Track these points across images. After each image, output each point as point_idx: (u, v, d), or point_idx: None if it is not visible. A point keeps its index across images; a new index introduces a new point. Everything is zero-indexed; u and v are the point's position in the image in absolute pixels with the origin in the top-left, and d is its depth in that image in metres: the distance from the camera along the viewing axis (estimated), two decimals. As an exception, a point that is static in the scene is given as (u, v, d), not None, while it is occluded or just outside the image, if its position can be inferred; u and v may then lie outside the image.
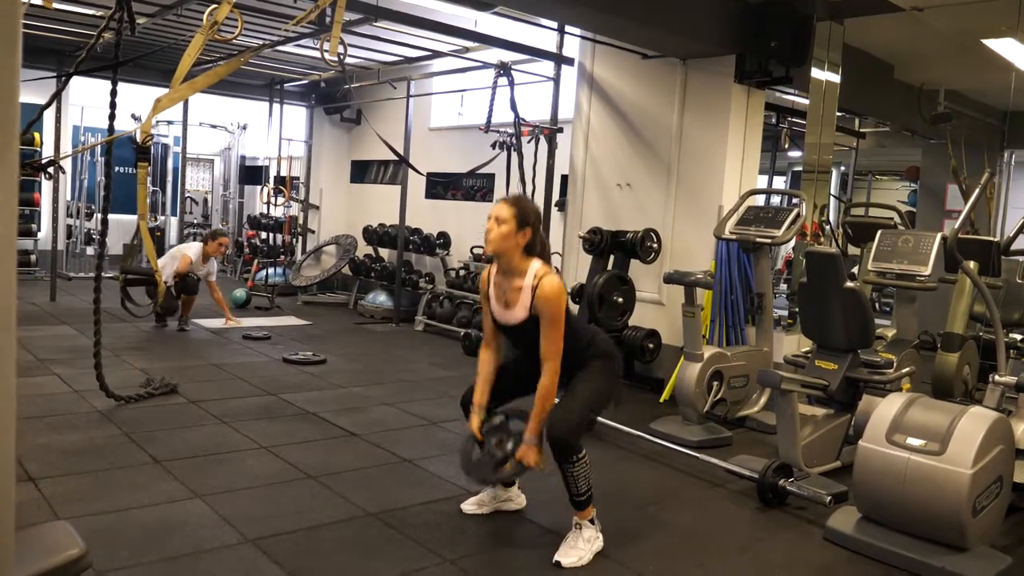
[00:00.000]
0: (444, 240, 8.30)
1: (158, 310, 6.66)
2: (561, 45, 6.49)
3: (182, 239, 10.82)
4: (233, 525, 3.00)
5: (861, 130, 9.60)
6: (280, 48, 7.37)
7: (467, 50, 6.47)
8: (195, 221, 12.22)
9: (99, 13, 6.48)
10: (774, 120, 8.54)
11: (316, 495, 3.41)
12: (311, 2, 5.25)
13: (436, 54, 7.05)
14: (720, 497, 3.77)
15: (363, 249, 9.24)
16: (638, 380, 5.82)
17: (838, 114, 7.60)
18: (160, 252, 11.34)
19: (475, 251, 7.90)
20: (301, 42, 7.17)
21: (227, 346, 6.49)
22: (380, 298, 8.51)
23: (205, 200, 12.43)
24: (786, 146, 8.73)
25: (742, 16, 5.45)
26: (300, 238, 10.15)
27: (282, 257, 9.69)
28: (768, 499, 3.62)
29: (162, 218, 11.52)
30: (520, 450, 2.97)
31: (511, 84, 6.15)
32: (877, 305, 7.88)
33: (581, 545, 2.90)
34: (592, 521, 2.96)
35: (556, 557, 2.84)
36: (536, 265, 2.92)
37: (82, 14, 6.50)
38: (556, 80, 6.63)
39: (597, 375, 3.01)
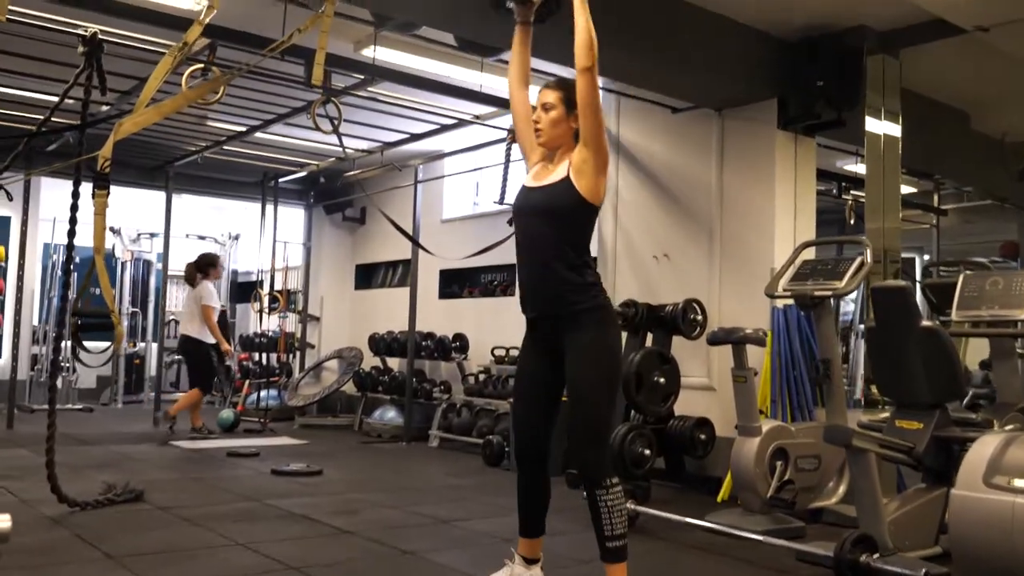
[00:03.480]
0: (461, 343, 8.38)
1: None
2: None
3: (162, 368, 11.03)
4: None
5: (941, 206, 9.73)
6: (273, 132, 7.83)
7: (477, 119, 6.81)
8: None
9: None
10: (835, 191, 8.75)
11: (297, 583, 3.34)
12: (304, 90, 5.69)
13: (443, 128, 7.41)
14: (791, 583, 3.60)
15: (369, 361, 9.35)
16: (689, 480, 5.68)
17: (908, 189, 7.71)
18: (138, 387, 11.68)
19: (496, 353, 7.95)
20: (295, 130, 7.64)
21: (207, 461, 6.51)
22: (388, 414, 8.52)
23: (191, 322, 12.74)
24: (851, 222, 8.85)
25: (781, 54, 5.69)
26: (298, 354, 10.31)
27: (277, 377, 9.82)
28: (849, 581, 3.45)
29: (142, 345, 11.82)
30: None
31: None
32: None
33: (616, 617, 2.78)
34: (627, 588, 2.85)
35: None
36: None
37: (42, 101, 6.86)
38: (578, 147, 6.90)
39: (597, 351, 2.96)
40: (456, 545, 4.03)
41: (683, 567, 3.79)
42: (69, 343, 10.26)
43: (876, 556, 3.49)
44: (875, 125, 5.83)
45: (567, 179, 2.95)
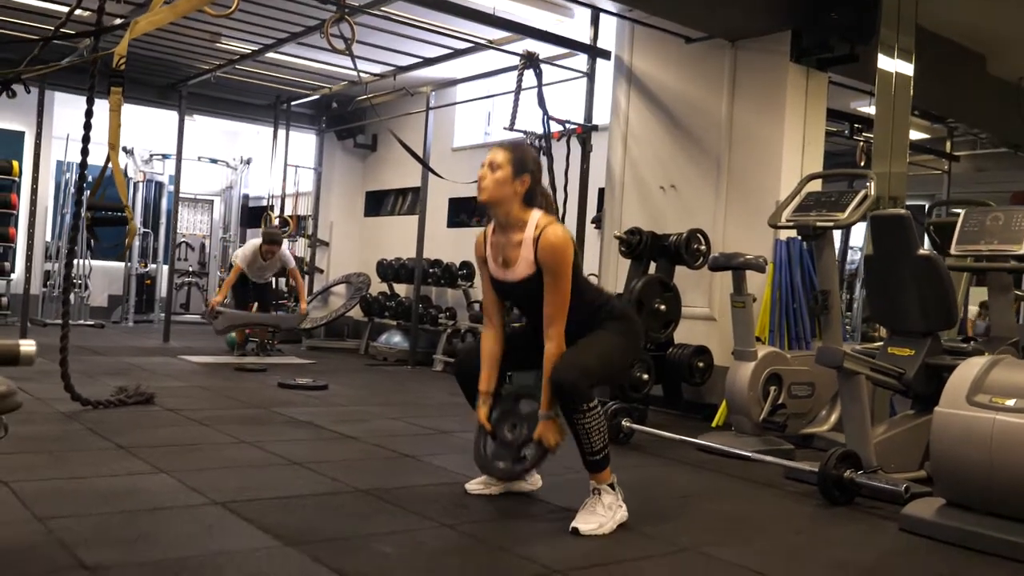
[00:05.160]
0: (468, 271, 8.46)
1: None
2: (596, 36, 6.78)
3: (173, 289, 11.17)
4: (200, 492, 3.07)
5: (953, 152, 9.67)
6: (285, 52, 7.80)
7: (491, 44, 6.78)
8: (190, 268, 12.65)
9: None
10: (847, 132, 8.71)
11: (299, 475, 3.47)
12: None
13: (456, 52, 7.37)
14: (774, 495, 3.72)
15: (377, 287, 9.46)
16: (686, 407, 5.80)
17: (921, 135, 7.57)
18: (148, 307, 11.83)
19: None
20: (308, 50, 7.61)
21: (216, 374, 6.67)
22: (394, 339, 8.65)
23: (202, 245, 12.90)
24: (862, 164, 8.82)
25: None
26: (307, 278, 10.42)
27: (285, 300, 9.94)
28: (832, 495, 3.56)
29: (152, 266, 11.95)
30: (537, 429, 3.04)
31: (539, 78, 6.42)
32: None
33: (601, 511, 2.90)
34: (612, 487, 2.96)
35: (573, 524, 2.85)
36: (537, 215, 3.04)
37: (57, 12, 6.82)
38: (591, 76, 6.89)
39: (612, 332, 3.08)
40: (455, 451, 4.16)
41: (675, 481, 3.91)
42: (81, 255, 10.53)
43: (860, 473, 3.60)
44: (887, 63, 5.76)
45: (537, 274, 3.00)
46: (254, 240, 8.00)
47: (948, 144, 9.48)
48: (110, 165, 3.47)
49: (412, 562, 2.49)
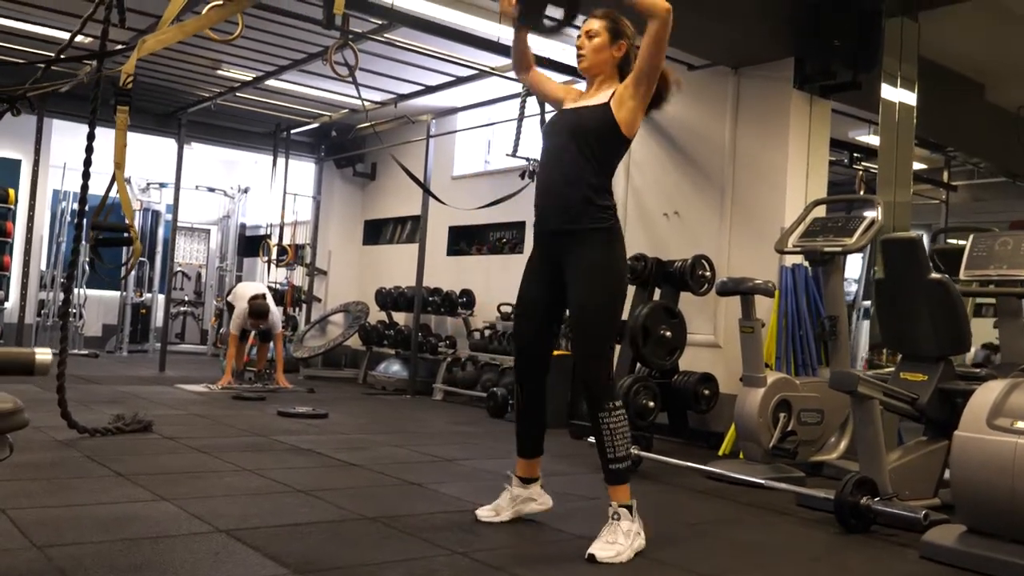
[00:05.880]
0: (468, 299, 8.41)
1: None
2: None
3: (168, 320, 11.04)
4: (203, 520, 2.99)
5: (951, 182, 9.70)
6: (286, 79, 7.81)
7: (493, 71, 6.79)
8: (185, 299, 12.56)
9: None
10: (846, 161, 8.73)
11: (304, 503, 3.39)
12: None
13: (459, 80, 7.39)
14: (788, 522, 3.66)
15: (375, 316, 9.40)
16: (691, 435, 5.72)
17: (918, 165, 7.56)
18: (143, 337, 11.71)
19: (503, 309, 7.98)
20: (309, 78, 7.63)
21: (214, 403, 6.57)
22: (393, 367, 8.57)
23: (198, 275, 12.82)
24: (861, 193, 8.83)
25: (800, 11, 5.66)
26: (304, 307, 10.36)
27: (283, 329, 9.86)
28: (849, 522, 3.49)
29: (148, 295, 11.87)
30: None
31: (542, 106, 6.41)
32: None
33: (621, 539, 2.82)
34: (631, 511, 2.89)
35: (590, 550, 2.77)
36: None
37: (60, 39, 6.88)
38: None
39: (603, 270, 3.01)
40: (460, 479, 4.09)
41: (686, 508, 3.84)
42: (78, 283, 10.42)
43: (876, 500, 3.53)
44: (891, 92, 5.78)
45: (606, 105, 3.00)
46: (243, 305, 7.71)
47: (946, 174, 9.51)
48: (115, 184, 3.43)
49: (426, 590, 2.41)
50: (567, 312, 3.17)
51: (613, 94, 3.01)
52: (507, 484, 3.25)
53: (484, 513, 3.22)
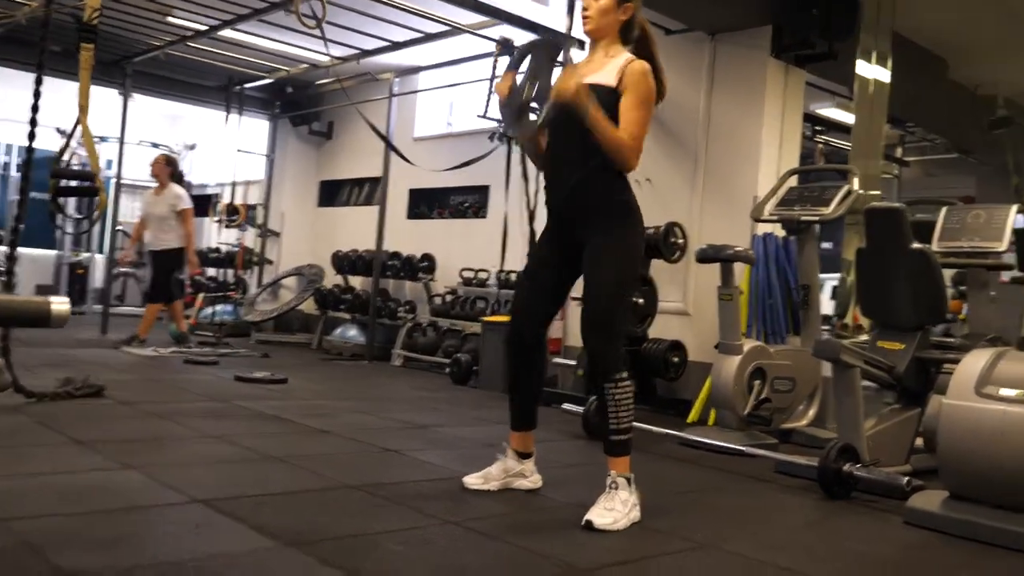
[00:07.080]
0: (429, 263, 8.27)
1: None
2: (572, 25, 6.65)
3: (110, 280, 10.62)
4: (176, 489, 2.84)
5: (905, 158, 9.85)
6: (241, 29, 7.47)
7: (465, 28, 6.59)
8: (128, 259, 12.11)
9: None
10: (808, 134, 8.77)
11: (279, 471, 3.27)
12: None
13: (428, 36, 7.13)
14: (770, 489, 3.66)
15: (332, 280, 9.19)
16: (659, 403, 5.71)
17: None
18: (80, 298, 11.26)
19: (465, 274, 7.87)
20: (266, 29, 7.32)
21: (165, 367, 6.36)
22: (350, 332, 8.40)
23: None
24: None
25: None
26: (255, 270, 10.09)
27: (232, 291, 9.60)
28: (832, 489, 3.50)
29: (86, 255, 11.40)
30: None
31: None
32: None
33: (618, 507, 2.78)
34: (629, 482, 2.85)
35: (587, 516, 2.72)
36: (628, 54, 3.02)
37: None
38: (566, 65, 6.76)
39: (619, 248, 2.94)
40: (437, 446, 4.00)
41: (668, 476, 3.80)
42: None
43: (859, 466, 3.55)
44: (866, 68, 5.80)
45: (616, 90, 2.94)
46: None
47: (899, 149, 9.65)
48: (79, 128, 3.20)
49: (429, 561, 2.32)
50: (572, 286, 3.13)
51: (621, 77, 2.94)
52: (500, 454, 3.17)
53: (472, 481, 3.13)
